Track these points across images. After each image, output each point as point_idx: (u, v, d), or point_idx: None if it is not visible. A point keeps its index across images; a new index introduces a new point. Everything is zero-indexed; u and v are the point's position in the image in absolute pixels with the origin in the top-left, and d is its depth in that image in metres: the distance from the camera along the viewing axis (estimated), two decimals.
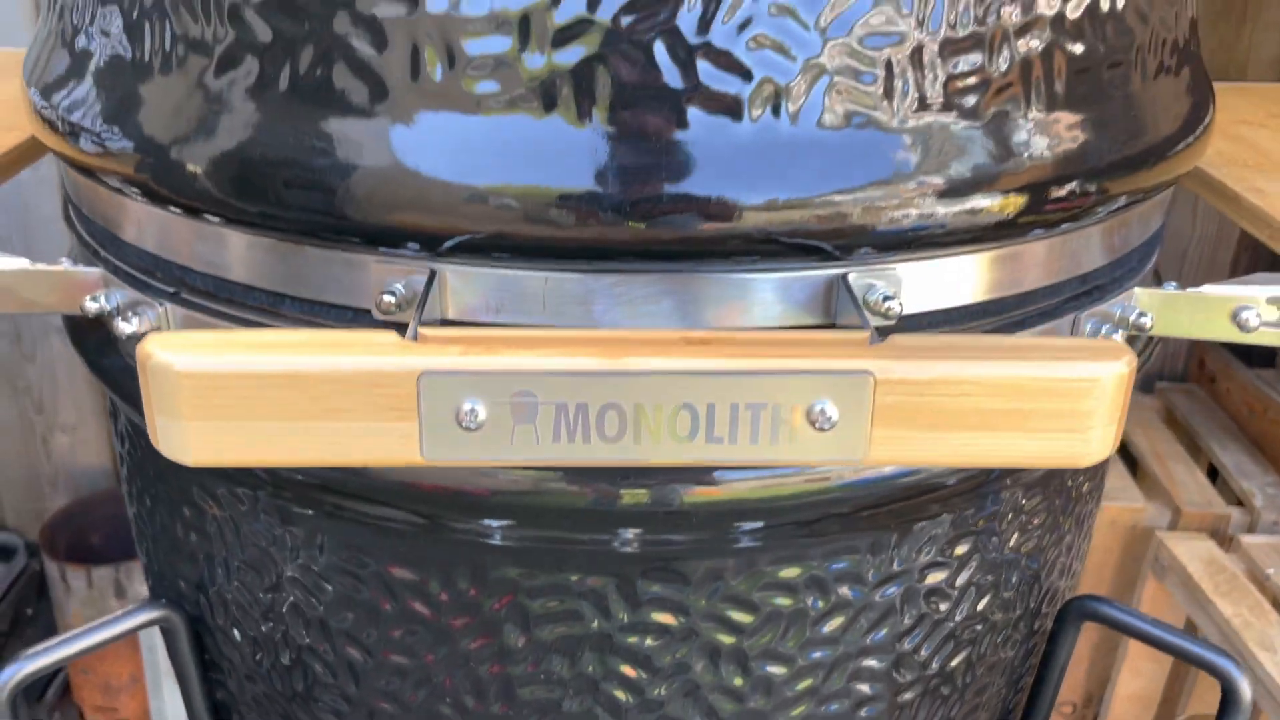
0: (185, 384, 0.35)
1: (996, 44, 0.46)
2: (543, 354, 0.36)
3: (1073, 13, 0.48)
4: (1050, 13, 0.47)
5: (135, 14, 0.48)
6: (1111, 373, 0.36)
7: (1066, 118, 0.48)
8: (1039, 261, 0.51)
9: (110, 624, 0.59)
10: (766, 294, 0.46)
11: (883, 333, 0.47)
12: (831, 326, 0.47)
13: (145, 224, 0.52)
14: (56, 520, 1.57)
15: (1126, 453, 1.43)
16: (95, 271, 0.55)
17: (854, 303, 0.45)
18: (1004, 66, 0.46)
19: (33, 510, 1.71)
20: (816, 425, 0.36)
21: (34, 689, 1.60)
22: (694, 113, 0.43)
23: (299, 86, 0.45)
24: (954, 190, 0.46)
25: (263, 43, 0.45)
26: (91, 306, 0.55)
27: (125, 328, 0.53)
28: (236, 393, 0.35)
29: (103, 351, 0.57)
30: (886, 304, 0.46)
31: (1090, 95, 0.49)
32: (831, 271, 0.46)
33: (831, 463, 0.37)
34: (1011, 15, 0.46)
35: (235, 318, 0.50)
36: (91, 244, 0.57)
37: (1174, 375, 1.59)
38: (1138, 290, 0.57)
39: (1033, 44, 0.47)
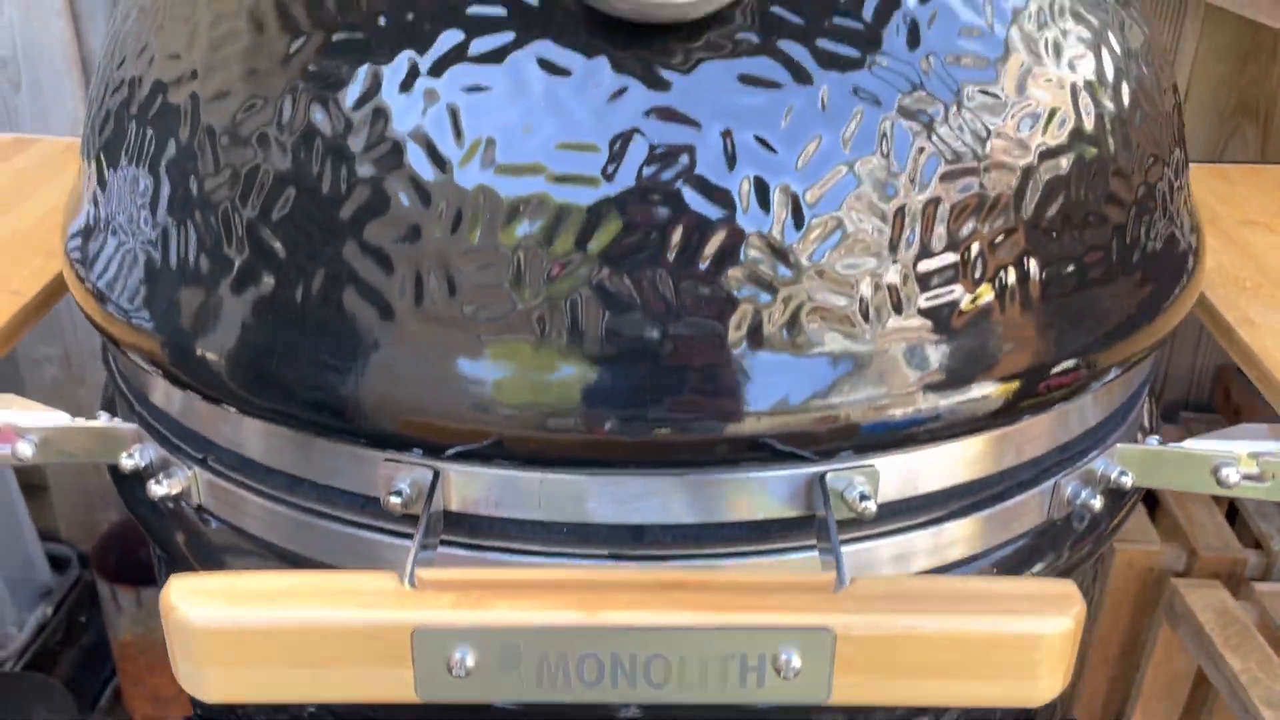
0: (201, 638, 0.38)
1: (971, 259, 0.48)
2: (528, 607, 0.39)
3: (1047, 219, 0.50)
4: (1024, 221, 0.49)
5: (161, 220, 0.52)
6: (1057, 629, 0.39)
7: (1042, 314, 0.50)
8: (1017, 443, 0.53)
9: None
10: (750, 492, 0.49)
11: (849, 524, 0.50)
12: (812, 519, 0.50)
13: (171, 395, 0.56)
14: (106, 539, 1.63)
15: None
16: (130, 427, 0.59)
17: (826, 505, 0.48)
18: (978, 277, 0.48)
19: (84, 523, 1.77)
20: (782, 673, 0.39)
21: (86, 697, 1.67)
22: (678, 338, 0.46)
23: (311, 303, 0.48)
24: (929, 394, 0.48)
25: (278, 262, 0.48)
26: (127, 464, 0.58)
27: (157, 490, 0.57)
28: (247, 644, 0.39)
29: (139, 498, 0.61)
30: (863, 504, 0.48)
31: (1066, 289, 0.51)
32: (812, 470, 0.49)
33: (795, 704, 0.40)
34: (985, 230, 0.48)
35: (258, 490, 0.54)
36: (127, 395, 0.61)
37: (1199, 405, 1.60)
38: (1120, 447, 0.59)
39: (1007, 255, 0.49)
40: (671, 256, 0.45)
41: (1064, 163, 0.50)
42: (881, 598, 0.40)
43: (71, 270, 0.60)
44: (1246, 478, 0.59)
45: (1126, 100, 0.53)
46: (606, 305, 0.45)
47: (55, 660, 1.69)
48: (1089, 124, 0.51)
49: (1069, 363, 0.52)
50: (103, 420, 0.60)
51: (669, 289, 0.45)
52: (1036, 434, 0.54)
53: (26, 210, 0.81)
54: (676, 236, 0.45)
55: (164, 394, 0.57)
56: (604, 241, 0.45)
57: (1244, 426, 0.61)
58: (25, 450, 0.59)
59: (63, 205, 0.66)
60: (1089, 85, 0.52)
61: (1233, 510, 1.42)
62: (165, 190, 0.51)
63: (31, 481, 1.74)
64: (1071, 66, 0.51)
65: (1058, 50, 0.51)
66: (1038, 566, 0.58)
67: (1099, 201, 0.52)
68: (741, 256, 0.45)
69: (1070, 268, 0.51)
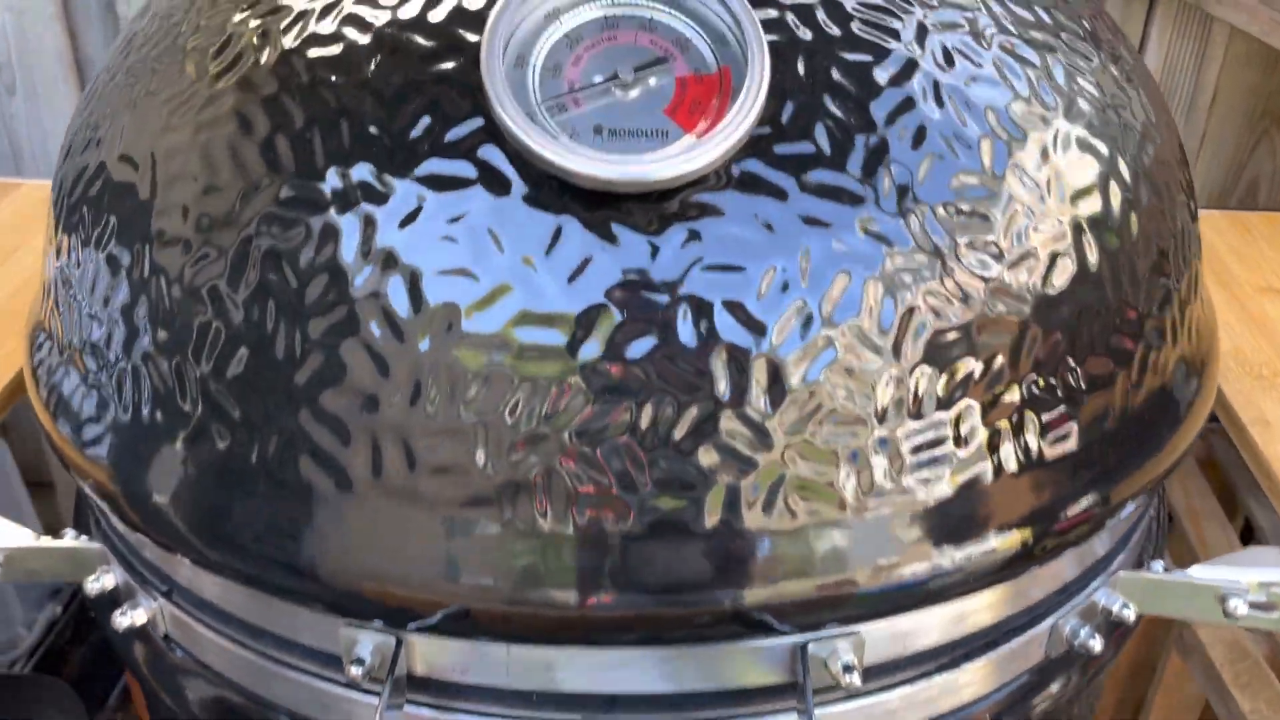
0: None
1: (963, 423, 0.45)
2: None
3: (1045, 373, 0.47)
4: (1020, 378, 0.46)
5: (116, 361, 0.49)
6: None
7: (1041, 471, 0.48)
8: (1014, 593, 0.51)
9: None
10: (729, 663, 0.47)
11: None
12: (794, 687, 0.48)
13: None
14: None
15: None
16: (96, 548, 0.57)
17: (805, 678, 0.46)
18: (971, 441, 0.46)
19: None
20: None
21: (97, 696, 1.68)
22: (650, 518, 0.43)
23: (267, 467, 0.46)
24: (919, 562, 0.46)
25: (232, 422, 0.46)
26: (93, 588, 0.57)
27: (122, 621, 0.55)
28: None
29: (109, 618, 0.59)
30: (847, 676, 0.46)
31: (1067, 440, 0.48)
32: (794, 640, 0.47)
33: None
34: (978, 391, 0.45)
35: (222, 632, 0.52)
36: (95, 508, 0.59)
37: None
38: (1122, 575, 0.56)
39: (1002, 414, 0.46)
40: (643, 432, 0.43)
41: (1065, 310, 0.47)
42: None
43: (32, 378, 0.58)
44: (1255, 607, 0.56)
45: (1135, 231, 0.50)
46: (574, 483, 0.43)
47: (65, 659, 1.69)
48: (1093, 263, 0.48)
49: (1074, 510, 0.49)
50: (69, 540, 0.58)
51: (640, 466, 0.43)
52: (1035, 581, 0.52)
53: (8, 272, 0.79)
54: (648, 412, 0.43)
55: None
56: (571, 418, 0.43)
57: (1252, 551, 0.59)
58: None
59: (38, 274, 0.63)
60: (1094, 222, 0.48)
61: (1248, 529, 1.39)
62: (119, 333, 0.49)
63: (37, 479, 1.74)
64: (1075, 204, 0.48)
65: (1060, 188, 0.48)
66: (1039, 700, 0.56)
67: (1102, 346, 0.49)
68: (718, 432, 0.43)
69: (1072, 418, 0.48)
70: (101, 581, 0.57)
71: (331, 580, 0.46)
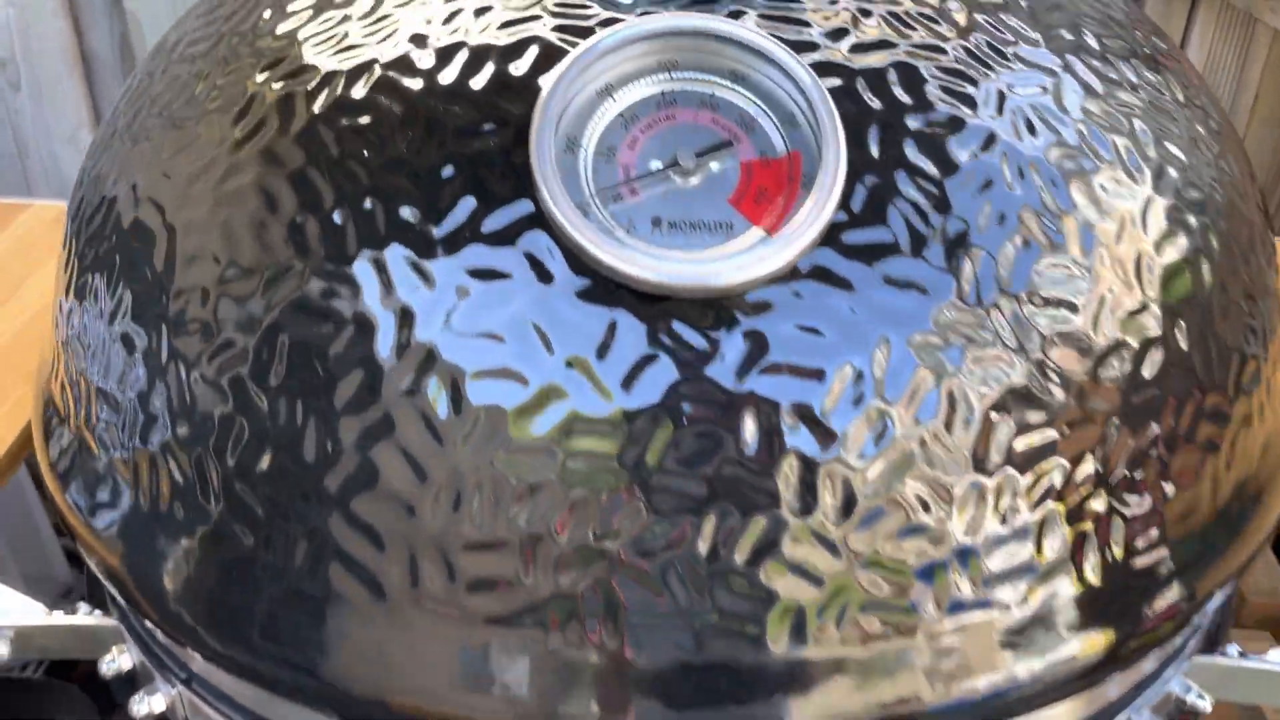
0: None
1: (1045, 530, 0.42)
2: None
3: (1134, 470, 0.44)
4: (1108, 480, 0.43)
5: (131, 448, 0.46)
6: None
7: (1124, 575, 0.44)
8: (1087, 699, 0.48)
9: None
10: None
11: None
12: None
13: None
14: None
15: None
16: (111, 625, 0.54)
17: None
18: (1053, 548, 0.42)
19: None
20: None
21: (109, 695, 1.66)
22: (707, 637, 0.40)
23: (294, 572, 0.42)
24: (990, 673, 0.43)
25: (257, 522, 0.43)
26: (109, 670, 0.54)
27: (140, 709, 0.52)
28: None
29: (127, 703, 0.56)
30: None
31: (1154, 540, 0.45)
32: None
33: None
34: (1064, 499, 0.42)
35: None
36: (106, 583, 0.56)
37: None
38: (1196, 661, 0.53)
39: (1087, 521, 0.43)
40: (703, 550, 0.39)
41: (1155, 403, 0.44)
42: None
43: (43, 443, 0.55)
44: None
45: (1227, 307, 0.47)
46: (626, 602, 0.40)
47: (77, 662, 1.68)
48: (1184, 348, 0.45)
49: (1159, 608, 0.46)
50: (82, 615, 0.55)
51: (700, 584, 0.40)
52: (1114, 681, 0.48)
53: (14, 309, 0.75)
54: (709, 526, 0.39)
55: None
56: (625, 533, 0.39)
57: None
58: (0, 650, 0.54)
59: (49, 308, 0.60)
60: (1185, 303, 0.45)
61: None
62: (136, 419, 0.46)
63: None
64: (1166, 287, 0.44)
65: (1150, 268, 0.44)
66: None
67: (1191, 436, 0.45)
68: (783, 548, 0.40)
69: (1160, 516, 0.45)
70: (118, 663, 0.54)
71: (362, 696, 0.43)
